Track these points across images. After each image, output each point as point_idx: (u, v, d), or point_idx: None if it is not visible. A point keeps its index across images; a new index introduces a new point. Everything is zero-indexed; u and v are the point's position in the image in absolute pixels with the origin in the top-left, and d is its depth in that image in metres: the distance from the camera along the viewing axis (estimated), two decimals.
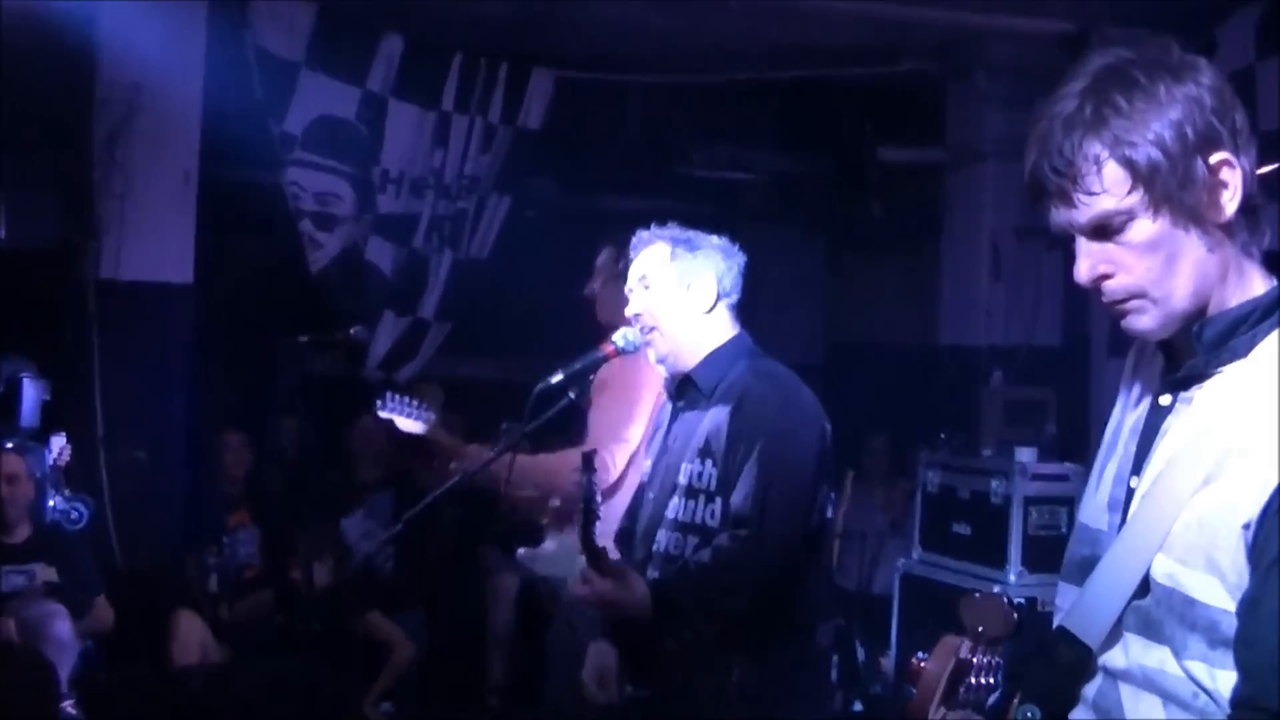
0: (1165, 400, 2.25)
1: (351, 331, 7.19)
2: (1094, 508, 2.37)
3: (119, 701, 6.71)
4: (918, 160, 9.81)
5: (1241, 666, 2.04)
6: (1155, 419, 2.27)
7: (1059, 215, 2.20)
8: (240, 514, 8.41)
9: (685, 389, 4.10)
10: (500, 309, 5.90)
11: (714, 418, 3.91)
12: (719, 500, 3.86)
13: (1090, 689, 2.26)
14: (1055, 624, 2.29)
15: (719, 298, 4.12)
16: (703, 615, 3.79)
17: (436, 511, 4.64)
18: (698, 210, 11.75)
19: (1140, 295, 2.17)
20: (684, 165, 10.57)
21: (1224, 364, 2.15)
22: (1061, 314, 9.04)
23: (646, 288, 4.12)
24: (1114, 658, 2.21)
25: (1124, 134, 2.09)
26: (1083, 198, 2.14)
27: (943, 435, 7.68)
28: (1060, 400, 8.42)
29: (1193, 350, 2.19)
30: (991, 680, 2.36)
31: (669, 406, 4.25)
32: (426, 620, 8.27)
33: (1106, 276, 2.19)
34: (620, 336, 5.00)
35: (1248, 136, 2.13)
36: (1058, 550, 2.48)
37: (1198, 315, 2.17)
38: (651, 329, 4.10)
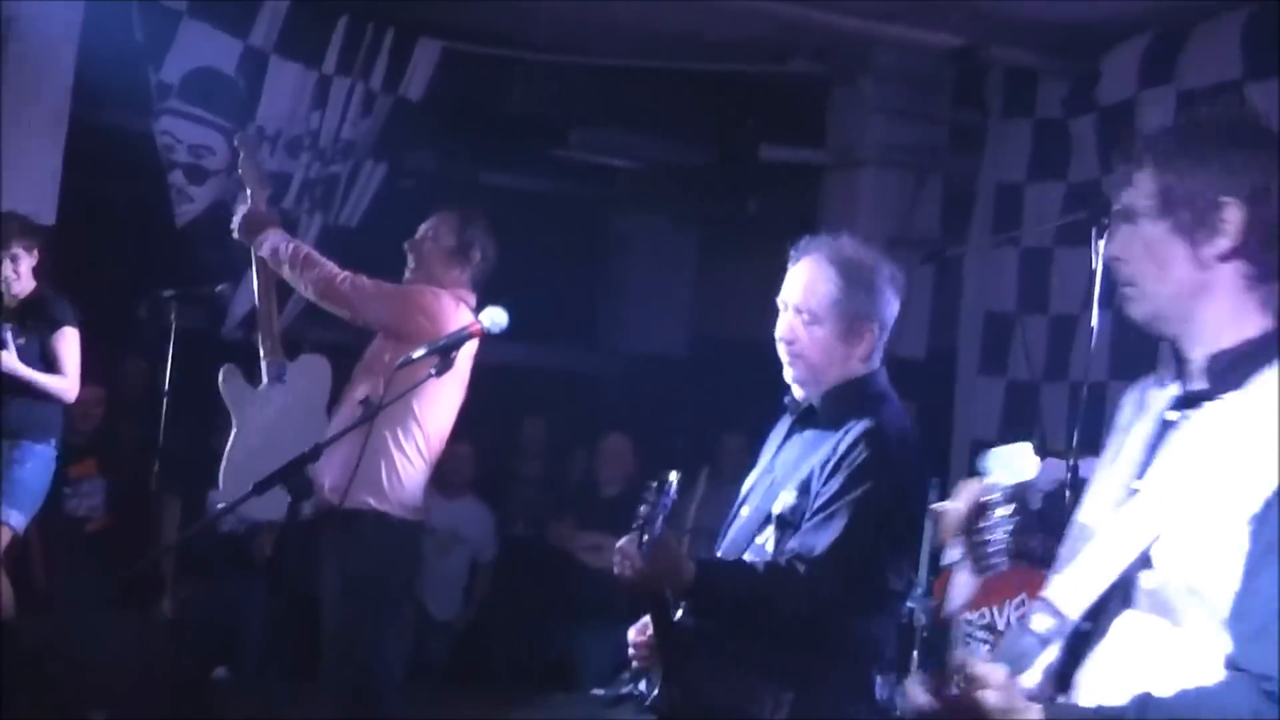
0: (1173, 416, 2.55)
1: (218, 289, 7.09)
2: (1095, 508, 2.64)
3: None
4: (797, 160, 9.84)
5: (1235, 638, 2.30)
6: (1162, 432, 2.56)
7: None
8: (85, 465, 8.27)
9: (808, 415, 3.96)
10: (368, 276, 5.85)
11: (824, 454, 3.78)
12: None
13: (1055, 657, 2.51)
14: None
15: (878, 345, 3.97)
16: (737, 615, 3.74)
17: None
18: (573, 191, 11.84)
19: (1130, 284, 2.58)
20: (563, 146, 10.54)
21: (1227, 391, 2.44)
22: (928, 328, 9.10)
23: (806, 322, 3.89)
24: (1099, 632, 2.50)
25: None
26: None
27: None
28: (920, 413, 8.48)
29: (1202, 376, 2.51)
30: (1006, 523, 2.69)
31: (786, 423, 4.10)
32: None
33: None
34: (487, 317, 4.97)
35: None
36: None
37: (1170, 325, 2.55)
38: (798, 356, 3.91)
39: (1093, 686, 2.49)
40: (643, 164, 11.14)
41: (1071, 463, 5.72)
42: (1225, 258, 2.47)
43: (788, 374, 3.95)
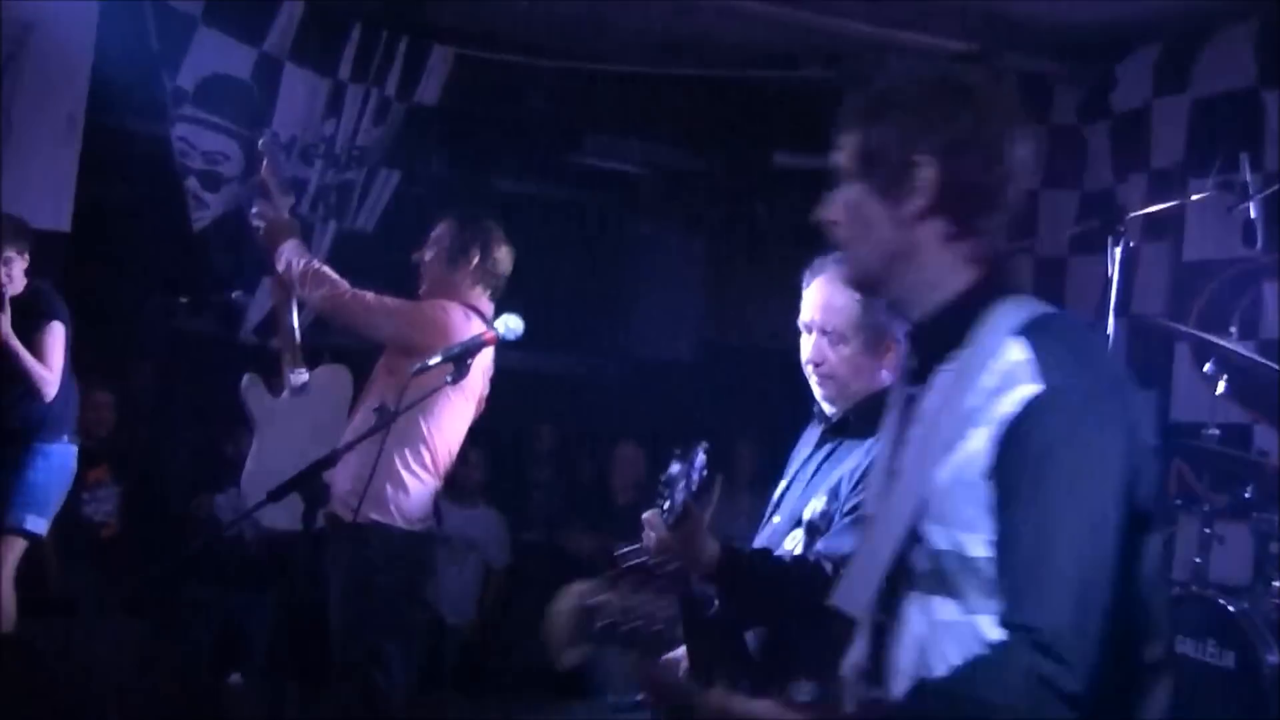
0: (912, 389, 2.56)
1: (232, 295, 7.12)
2: (870, 496, 2.74)
3: None
4: (809, 167, 9.81)
5: (1001, 593, 2.30)
6: (906, 406, 2.58)
7: None
8: (98, 470, 8.27)
9: (839, 426, 3.96)
10: (381, 284, 5.84)
11: (854, 462, 3.78)
12: None
13: (859, 652, 2.55)
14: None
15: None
16: (762, 602, 3.69)
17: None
18: (585, 198, 11.83)
19: (840, 247, 2.65)
20: (576, 152, 10.54)
21: (943, 351, 2.45)
22: None
23: (831, 342, 3.90)
24: (894, 620, 2.46)
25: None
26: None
27: None
28: None
29: (921, 339, 2.56)
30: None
31: (814, 432, 4.09)
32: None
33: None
34: (502, 324, 4.97)
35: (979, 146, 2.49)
36: None
37: (883, 288, 2.59)
38: (828, 377, 3.91)
39: (898, 677, 2.46)
40: (655, 170, 11.12)
41: None
42: (923, 216, 2.49)
43: (818, 394, 3.96)
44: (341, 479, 5.44)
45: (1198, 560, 6.16)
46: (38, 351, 6.87)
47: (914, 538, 2.41)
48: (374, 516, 5.57)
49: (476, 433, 6.19)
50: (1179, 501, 6.90)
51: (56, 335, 6.95)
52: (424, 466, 5.73)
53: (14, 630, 7.03)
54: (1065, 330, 2.43)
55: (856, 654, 2.55)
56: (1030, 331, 2.37)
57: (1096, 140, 8.57)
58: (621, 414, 11.10)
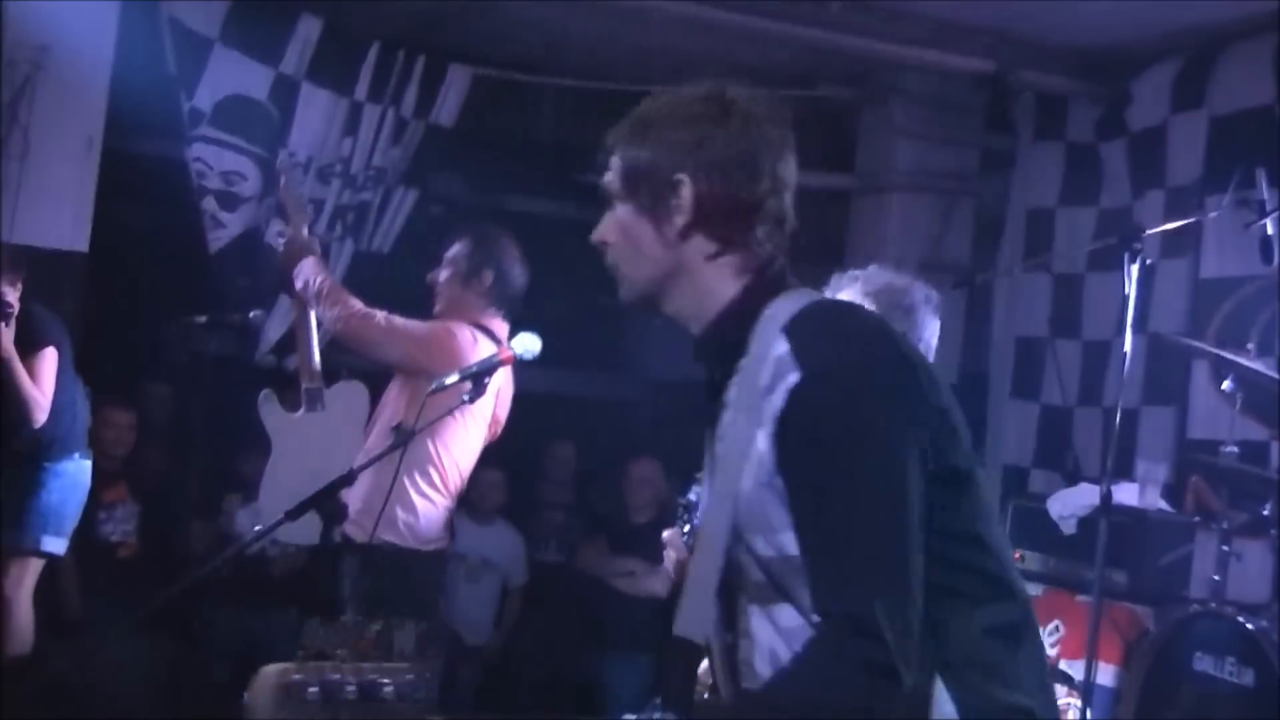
0: (714, 408, 2.59)
1: (250, 315, 7.13)
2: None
3: None
4: (825, 186, 9.82)
5: (811, 583, 2.34)
6: (714, 421, 2.60)
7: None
8: (117, 489, 8.28)
9: None
10: (398, 304, 5.86)
11: None
12: None
13: (715, 668, 2.62)
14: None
15: None
16: None
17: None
18: (600, 217, 11.84)
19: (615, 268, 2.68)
20: (592, 171, 10.52)
21: (733, 364, 2.50)
22: (960, 352, 9.08)
23: None
24: (756, 629, 2.49)
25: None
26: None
27: None
28: None
29: (701, 355, 2.65)
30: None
31: None
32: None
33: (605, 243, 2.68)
34: (520, 344, 4.98)
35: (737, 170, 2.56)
36: None
37: (660, 305, 2.65)
38: None
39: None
40: None
41: (1105, 488, 5.69)
42: (686, 233, 2.57)
43: None
44: (354, 499, 5.44)
45: (1216, 578, 6.16)
46: (30, 377, 6.84)
47: (742, 551, 2.45)
48: (386, 537, 5.58)
49: (494, 452, 6.19)
50: (1197, 519, 6.90)
51: (48, 361, 6.91)
52: (434, 487, 5.74)
53: (32, 650, 7.04)
54: (823, 317, 2.49)
55: (711, 677, 2.62)
56: (790, 324, 2.43)
57: (1113, 158, 8.56)
58: (639, 432, 11.09)
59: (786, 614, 2.41)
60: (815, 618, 2.34)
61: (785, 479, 2.36)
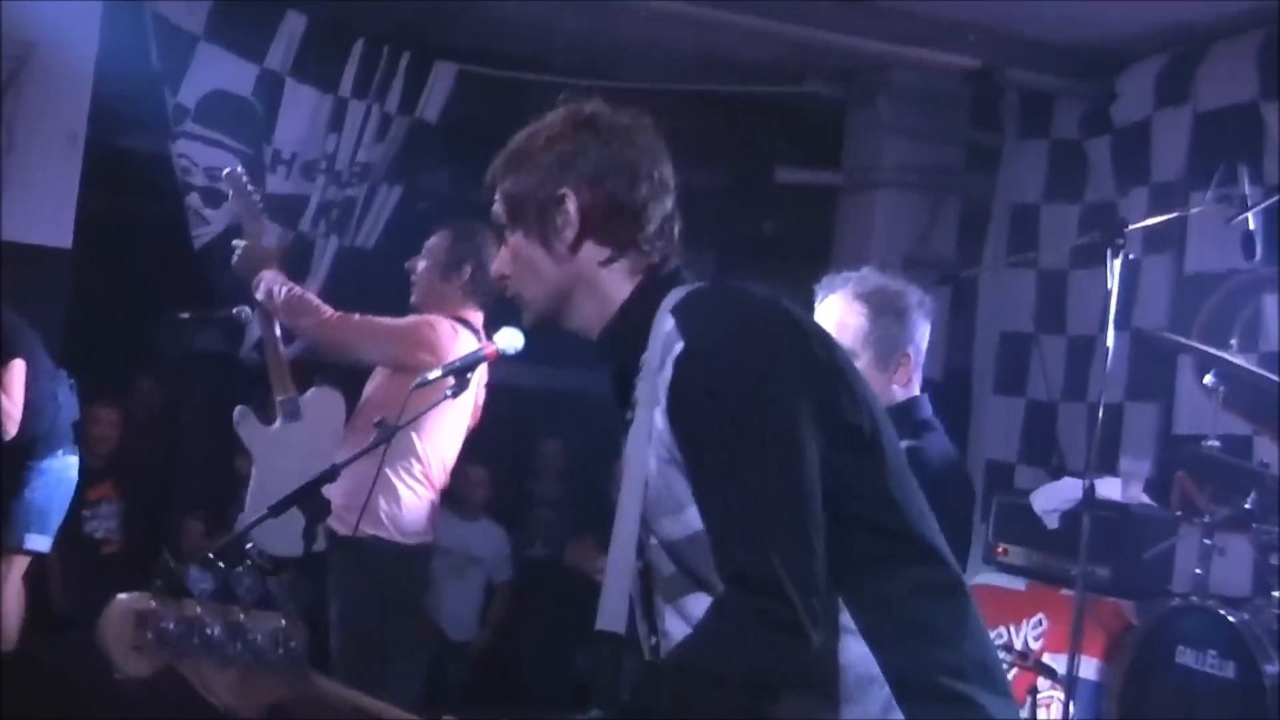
0: (629, 415, 2.58)
1: (234, 311, 7.11)
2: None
3: None
4: (813, 182, 9.83)
5: (713, 550, 2.34)
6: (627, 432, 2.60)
7: None
8: (102, 487, 8.27)
9: None
10: (382, 301, 5.85)
11: None
12: None
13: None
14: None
15: (914, 369, 4.05)
16: None
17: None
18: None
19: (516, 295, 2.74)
20: None
21: (633, 361, 2.54)
22: (944, 348, 9.08)
23: None
24: (671, 626, 2.51)
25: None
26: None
27: None
28: None
29: (611, 364, 2.67)
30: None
31: None
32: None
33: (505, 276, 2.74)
34: (503, 339, 4.96)
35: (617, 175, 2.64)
36: None
37: (563, 322, 2.70)
38: None
39: None
40: None
41: (1089, 482, 5.70)
42: (576, 246, 2.63)
43: None
44: (336, 494, 5.43)
45: (1198, 571, 6.17)
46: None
47: (651, 543, 2.50)
48: (370, 531, 5.57)
49: (480, 447, 6.17)
50: (1180, 513, 6.91)
51: (16, 373, 6.86)
52: (418, 480, 5.73)
53: (16, 646, 7.04)
54: (709, 293, 2.55)
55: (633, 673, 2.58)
56: (678, 304, 2.49)
57: (1098, 154, 8.57)
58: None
59: (697, 603, 2.42)
60: (720, 588, 2.35)
61: (681, 450, 2.39)
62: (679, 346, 2.40)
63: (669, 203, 2.71)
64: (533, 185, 2.64)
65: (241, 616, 2.46)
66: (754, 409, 2.35)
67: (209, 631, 2.44)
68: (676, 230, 2.72)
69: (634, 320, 2.57)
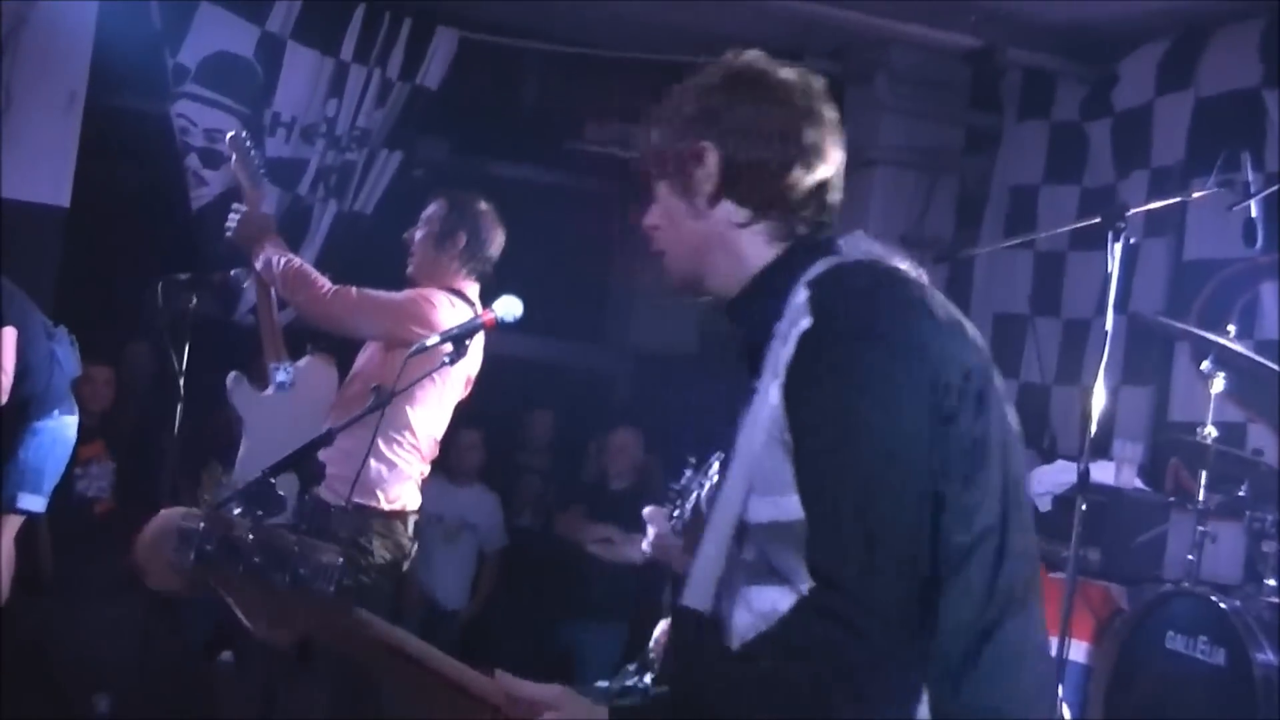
0: (754, 385, 2.44)
1: (232, 274, 7.10)
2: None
3: None
4: None
5: (809, 546, 2.23)
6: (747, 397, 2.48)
7: None
8: (94, 446, 8.25)
9: None
10: (379, 266, 5.85)
11: None
12: None
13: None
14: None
15: None
16: None
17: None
18: (585, 185, 11.82)
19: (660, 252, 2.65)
20: (576, 138, 10.53)
21: (767, 330, 2.39)
22: None
23: None
24: (735, 615, 2.39)
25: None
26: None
27: None
28: None
29: (743, 330, 2.55)
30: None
31: None
32: None
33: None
34: (502, 306, 4.96)
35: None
36: None
37: (703, 286, 2.60)
38: None
39: None
40: None
41: (1082, 466, 5.70)
42: (714, 200, 2.53)
43: None
44: (327, 462, 5.42)
45: (1190, 558, 6.18)
46: None
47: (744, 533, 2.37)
48: (359, 500, 5.56)
49: (473, 415, 6.16)
50: (1173, 499, 6.92)
51: (6, 340, 6.85)
52: (407, 449, 5.72)
53: (5, 605, 7.03)
54: (850, 269, 2.43)
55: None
56: (816, 277, 2.39)
57: (1098, 137, 8.56)
58: (618, 401, 11.09)
59: (761, 595, 2.33)
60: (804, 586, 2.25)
61: (791, 432, 2.27)
62: (805, 322, 2.30)
63: (824, 170, 2.57)
64: (678, 134, 2.57)
65: (297, 548, 2.41)
66: (862, 398, 2.24)
67: (255, 559, 2.40)
68: (834, 200, 2.60)
69: (768, 287, 2.47)
